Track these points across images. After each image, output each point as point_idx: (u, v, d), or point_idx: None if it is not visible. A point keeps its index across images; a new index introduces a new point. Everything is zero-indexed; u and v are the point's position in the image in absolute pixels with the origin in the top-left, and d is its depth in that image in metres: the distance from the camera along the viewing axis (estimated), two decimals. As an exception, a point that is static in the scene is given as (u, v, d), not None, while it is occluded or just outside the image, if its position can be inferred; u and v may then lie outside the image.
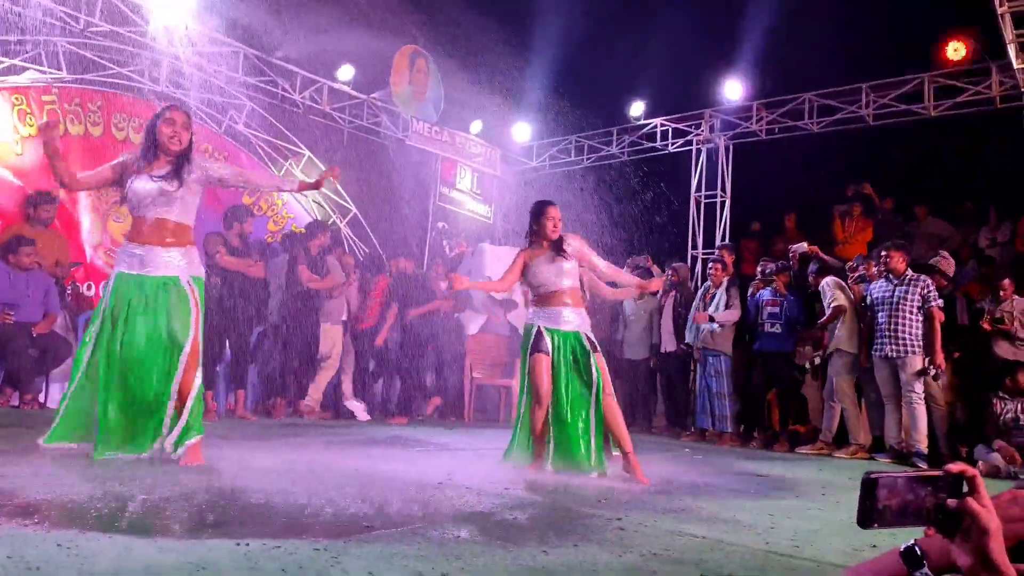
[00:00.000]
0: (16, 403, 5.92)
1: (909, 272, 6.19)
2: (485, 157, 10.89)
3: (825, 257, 7.27)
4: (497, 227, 11.01)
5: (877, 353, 6.22)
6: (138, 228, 3.52)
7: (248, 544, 2.04)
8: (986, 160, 9.38)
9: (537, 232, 4.22)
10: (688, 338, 7.34)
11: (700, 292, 7.42)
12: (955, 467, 0.92)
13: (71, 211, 7.02)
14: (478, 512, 2.84)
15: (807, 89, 9.19)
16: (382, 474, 3.63)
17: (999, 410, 5.77)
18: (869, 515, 0.92)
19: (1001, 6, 6.57)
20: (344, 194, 9.83)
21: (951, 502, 0.91)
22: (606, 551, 2.30)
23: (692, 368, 7.68)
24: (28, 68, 7.02)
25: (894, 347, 6.07)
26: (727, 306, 7.03)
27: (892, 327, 6.09)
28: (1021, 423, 5.67)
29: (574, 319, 4.14)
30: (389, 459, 4.37)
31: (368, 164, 10.06)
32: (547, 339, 4.05)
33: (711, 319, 6.97)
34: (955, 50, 8.12)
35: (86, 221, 7.13)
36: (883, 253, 6.30)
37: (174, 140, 3.51)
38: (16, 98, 6.81)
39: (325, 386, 7.03)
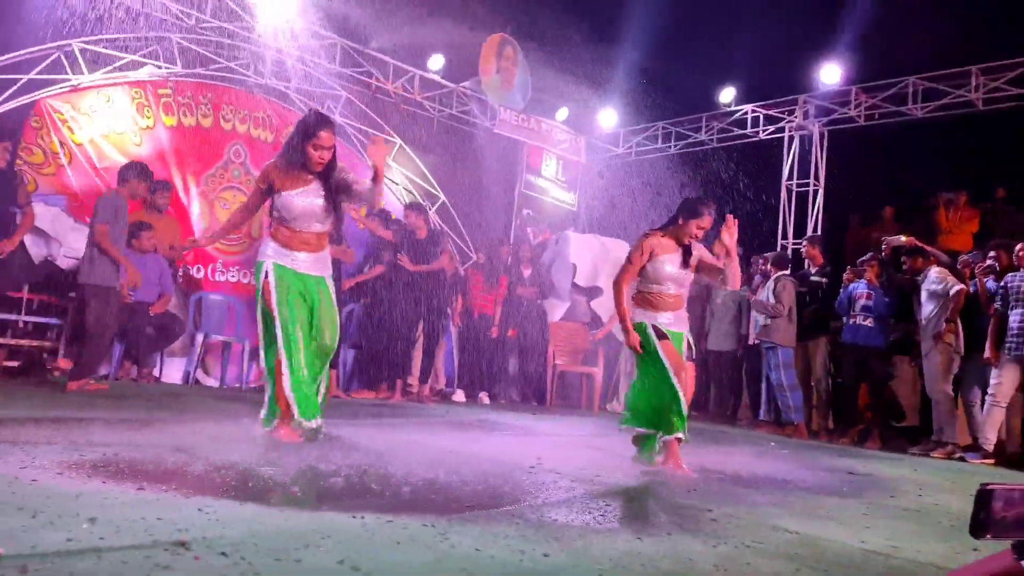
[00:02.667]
0: (135, 376, 6.40)
1: None
2: (570, 144, 10.90)
3: (928, 248, 6.95)
4: (581, 215, 11.01)
5: (1013, 352, 5.78)
6: (289, 235, 3.75)
7: (363, 517, 2.20)
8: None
9: (680, 229, 4.06)
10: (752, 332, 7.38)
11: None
12: None
13: (183, 198, 7.47)
14: (572, 497, 2.94)
15: (911, 72, 8.78)
16: (475, 456, 3.78)
17: None
18: (983, 525, 0.95)
19: None
20: (433, 181, 10.04)
21: None
22: (699, 541, 2.35)
23: None
24: (146, 63, 7.48)
25: None
26: (775, 297, 7.08)
27: None
28: None
29: (677, 321, 4.14)
30: (478, 442, 4.54)
31: (457, 152, 10.22)
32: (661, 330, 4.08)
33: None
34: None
35: (195, 207, 7.57)
36: None
37: (321, 164, 3.72)
38: (135, 92, 7.28)
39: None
